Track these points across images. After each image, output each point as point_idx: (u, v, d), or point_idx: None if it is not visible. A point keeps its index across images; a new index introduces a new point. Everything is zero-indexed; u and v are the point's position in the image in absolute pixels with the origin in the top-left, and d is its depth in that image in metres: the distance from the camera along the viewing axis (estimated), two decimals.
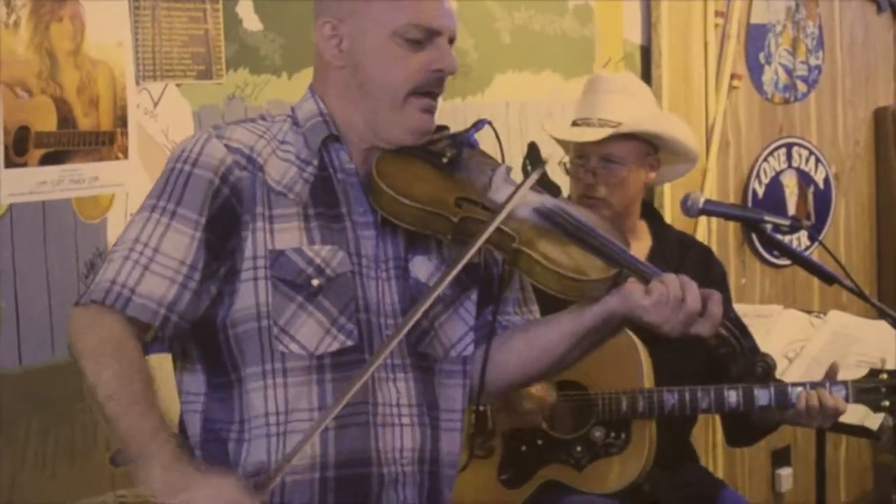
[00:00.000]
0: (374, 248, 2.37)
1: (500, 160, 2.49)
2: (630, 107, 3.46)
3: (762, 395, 3.22)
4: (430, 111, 2.40)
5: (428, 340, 2.41)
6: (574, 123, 3.49)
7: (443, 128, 2.47)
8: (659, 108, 3.60)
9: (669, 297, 2.31)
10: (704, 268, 3.49)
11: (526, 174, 2.41)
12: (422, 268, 2.42)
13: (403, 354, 2.37)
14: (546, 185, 2.56)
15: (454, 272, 2.27)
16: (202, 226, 2.28)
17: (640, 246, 3.45)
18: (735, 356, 2.47)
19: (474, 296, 2.47)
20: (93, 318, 2.24)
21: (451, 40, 2.40)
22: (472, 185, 2.41)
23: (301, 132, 2.39)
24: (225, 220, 2.30)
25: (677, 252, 3.48)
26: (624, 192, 3.42)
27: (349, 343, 2.32)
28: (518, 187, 2.35)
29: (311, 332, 2.31)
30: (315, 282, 2.31)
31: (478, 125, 2.46)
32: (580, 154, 3.43)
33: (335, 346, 2.31)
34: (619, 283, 2.36)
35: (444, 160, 2.40)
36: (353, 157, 2.40)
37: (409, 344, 2.38)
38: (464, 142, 2.44)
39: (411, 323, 2.26)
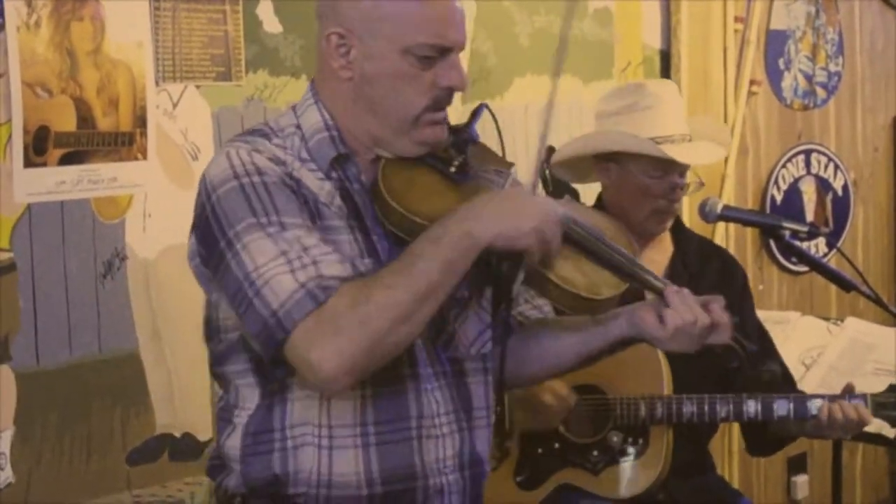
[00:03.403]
0: (389, 258, 2.32)
1: (500, 148, 2.47)
2: (683, 117, 3.44)
3: (781, 406, 3.20)
4: (442, 122, 2.36)
5: (454, 345, 2.40)
6: (655, 140, 3.35)
7: None
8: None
9: (684, 323, 2.33)
10: (727, 275, 3.48)
11: (545, 179, 2.41)
12: None
13: (434, 363, 2.36)
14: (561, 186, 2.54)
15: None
16: (314, 228, 2.23)
17: (663, 253, 3.44)
18: (740, 364, 2.47)
19: (488, 293, 2.46)
20: (319, 315, 2.14)
21: (462, 49, 2.36)
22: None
23: (308, 147, 2.34)
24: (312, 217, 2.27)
25: (698, 259, 3.47)
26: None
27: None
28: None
29: None
30: None
31: (477, 113, 2.42)
32: (659, 170, 3.33)
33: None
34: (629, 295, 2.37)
35: (452, 169, 2.36)
36: (361, 170, 2.36)
37: (436, 351, 2.37)
38: (467, 140, 2.39)
39: None
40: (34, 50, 3.02)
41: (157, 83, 3.25)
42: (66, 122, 3.08)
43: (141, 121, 3.22)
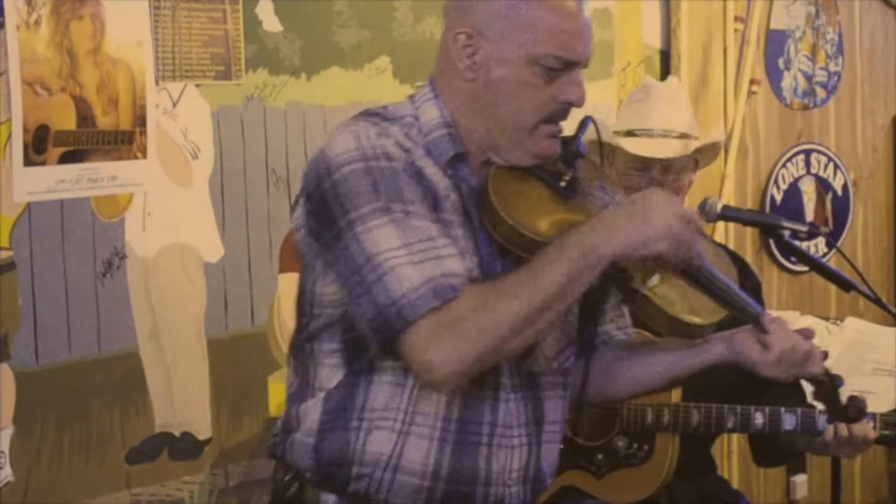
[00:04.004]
0: (488, 263, 2.32)
1: (600, 160, 2.48)
2: (680, 114, 3.43)
3: (788, 420, 3.19)
4: (557, 136, 2.35)
5: (533, 358, 2.39)
6: (630, 133, 3.38)
7: None
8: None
9: (787, 349, 2.35)
10: (739, 279, 3.47)
11: None
12: None
13: (514, 374, 2.35)
14: None
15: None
16: (437, 219, 2.23)
17: None
18: (831, 398, 2.47)
19: (576, 309, 2.43)
20: (444, 316, 2.14)
21: (586, 66, 2.35)
22: (589, 213, 2.35)
23: (425, 141, 2.32)
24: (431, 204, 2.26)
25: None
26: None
27: None
28: None
29: None
30: None
31: (583, 126, 2.40)
32: (639, 165, 3.33)
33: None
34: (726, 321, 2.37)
35: (562, 184, 2.35)
36: (472, 171, 2.34)
37: (516, 363, 2.35)
38: (576, 154, 2.37)
39: None
40: (34, 49, 3.02)
41: (156, 82, 3.25)
42: (65, 120, 3.08)
43: (141, 120, 3.22)
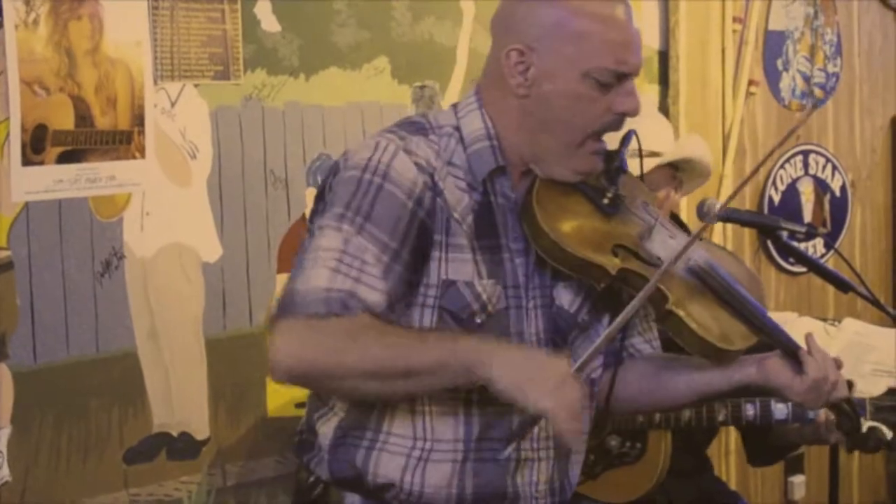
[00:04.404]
0: (524, 276, 2.34)
1: (640, 172, 2.47)
2: (654, 130, 3.41)
3: (780, 410, 3.20)
4: (602, 153, 2.35)
5: None
6: None
7: None
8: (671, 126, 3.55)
9: (820, 377, 2.34)
10: None
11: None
12: (565, 295, 2.40)
13: None
14: None
15: (617, 326, 2.21)
16: (391, 249, 2.23)
17: None
18: (853, 429, 2.48)
19: (605, 320, 2.45)
20: (313, 329, 2.16)
21: (638, 75, 2.35)
22: (630, 232, 2.37)
23: (466, 153, 2.33)
24: (422, 243, 2.26)
25: None
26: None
27: None
28: (684, 248, 2.30)
29: None
30: (478, 319, 2.29)
31: (626, 140, 2.39)
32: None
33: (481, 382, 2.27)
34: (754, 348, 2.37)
35: (605, 201, 2.35)
36: (512, 184, 2.35)
37: None
38: (619, 170, 2.38)
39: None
40: (32, 48, 3.02)
41: (155, 82, 3.24)
42: (64, 120, 3.08)
43: (139, 119, 3.21)
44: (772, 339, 2.38)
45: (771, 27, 5.01)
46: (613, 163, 2.37)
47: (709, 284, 2.36)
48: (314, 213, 2.31)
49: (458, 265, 2.28)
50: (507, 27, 2.33)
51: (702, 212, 3.20)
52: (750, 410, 3.20)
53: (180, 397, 3.32)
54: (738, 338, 2.36)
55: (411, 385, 2.17)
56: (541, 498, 2.38)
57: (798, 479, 5.15)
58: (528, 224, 2.31)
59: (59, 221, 3.11)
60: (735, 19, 4.80)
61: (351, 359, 2.14)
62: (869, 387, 3.35)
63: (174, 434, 3.33)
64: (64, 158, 3.09)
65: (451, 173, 2.30)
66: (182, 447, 3.34)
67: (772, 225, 3.12)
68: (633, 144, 2.40)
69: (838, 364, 2.40)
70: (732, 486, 4.48)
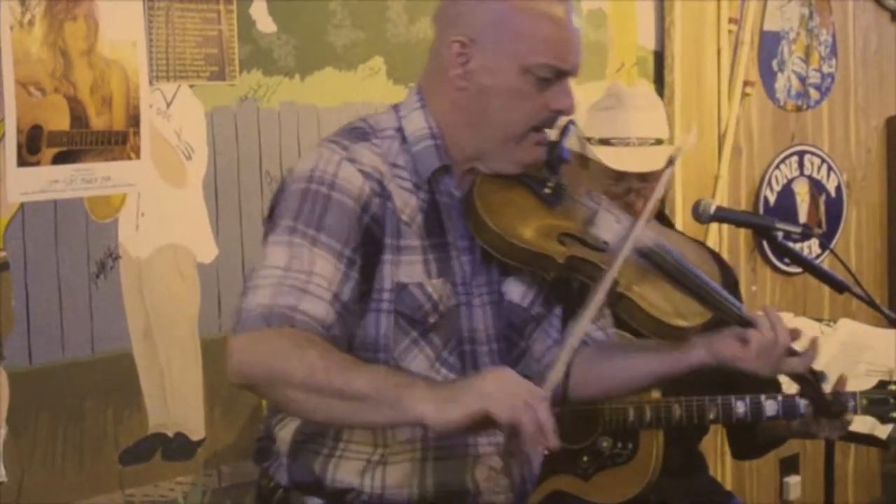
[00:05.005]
0: (471, 273, 2.35)
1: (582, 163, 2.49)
2: (655, 120, 3.41)
3: (770, 406, 3.20)
4: (544, 144, 2.37)
5: (525, 362, 2.40)
6: (606, 142, 3.35)
7: None
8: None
9: (765, 344, 2.35)
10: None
11: None
12: (515, 289, 2.40)
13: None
14: None
15: (583, 324, 2.19)
16: (346, 257, 2.22)
17: None
18: (816, 394, 2.49)
19: (559, 310, 2.46)
20: (259, 336, 2.14)
21: (576, 75, 2.37)
22: (575, 219, 2.37)
23: (410, 152, 2.33)
24: (369, 249, 2.25)
25: None
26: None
27: (451, 376, 2.30)
28: (630, 232, 2.30)
29: (419, 366, 2.29)
30: (431, 319, 2.29)
31: (566, 132, 2.41)
32: (616, 174, 3.28)
33: (437, 380, 2.27)
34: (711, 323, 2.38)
35: (547, 190, 2.36)
36: (456, 182, 2.36)
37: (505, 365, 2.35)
38: (560, 160, 2.39)
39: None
40: (28, 49, 3.02)
41: (150, 82, 3.24)
42: (59, 121, 3.08)
43: (134, 120, 3.21)
44: (725, 314, 2.39)
45: (766, 28, 5.01)
46: (554, 153, 2.38)
47: (658, 264, 2.36)
48: (265, 233, 2.29)
49: (408, 267, 2.28)
50: (449, 20, 2.34)
51: (697, 212, 3.20)
52: (741, 408, 3.21)
53: (176, 398, 3.32)
54: (692, 315, 2.36)
55: (352, 412, 2.09)
56: (501, 493, 2.38)
57: (793, 480, 5.16)
58: (472, 220, 2.31)
59: (54, 222, 3.11)
60: (730, 20, 4.80)
61: (291, 365, 2.09)
62: (864, 387, 3.35)
63: (170, 435, 3.33)
64: (59, 159, 3.08)
65: (397, 175, 2.31)
66: (177, 448, 3.34)
67: (767, 225, 3.12)
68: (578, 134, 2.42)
69: (795, 335, 2.40)
70: (728, 486, 4.48)
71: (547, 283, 2.41)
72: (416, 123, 2.35)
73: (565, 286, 2.44)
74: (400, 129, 2.35)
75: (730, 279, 3.51)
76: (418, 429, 2.24)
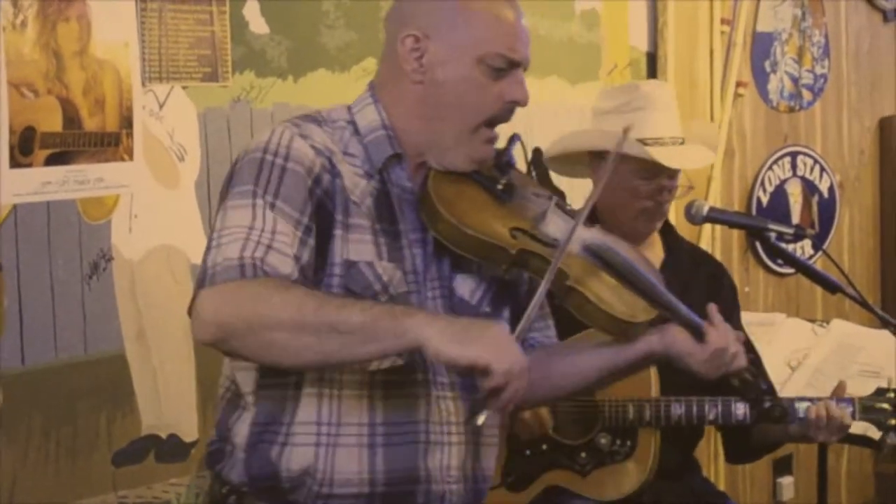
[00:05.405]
0: (423, 266, 2.38)
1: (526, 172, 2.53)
2: (676, 119, 3.44)
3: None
4: (494, 141, 2.41)
5: None
6: (641, 142, 3.33)
7: None
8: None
9: (722, 346, 2.42)
10: (716, 283, 3.48)
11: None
12: (465, 286, 2.44)
13: (451, 373, 2.37)
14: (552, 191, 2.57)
15: (529, 315, 2.24)
16: (303, 224, 2.26)
17: (654, 257, 3.43)
18: (756, 401, 2.54)
19: (507, 312, 2.50)
20: (236, 286, 2.16)
21: (527, 68, 2.41)
22: (526, 215, 2.42)
23: (363, 143, 2.38)
24: (321, 222, 2.28)
25: (689, 265, 3.47)
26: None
27: (399, 362, 2.30)
28: (574, 225, 2.35)
29: None
30: (382, 300, 2.31)
31: (512, 142, 2.46)
32: (647, 172, 3.31)
33: (386, 364, 2.29)
34: (655, 322, 2.44)
35: (499, 187, 2.41)
36: (409, 174, 2.39)
37: None
38: (508, 163, 2.45)
39: None
40: (20, 50, 3.02)
41: (143, 84, 3.24)
42: (52, 122, 3.08)
43: (127, 121, 3.21)
44: (671, 313, 2.44)
45: (759, 28, 5.02)
46: (503, 158, 2.44)
47: (606, 261, 2.42)
48: (221, 200, 2.32)
49: (358, 246, 2.31)
50: (402, 16, 2.39)
51: (690, 213, 3.21)
52: (740, 410, 3.21)
53: (169, 399, 3.32)
54: (640, 311, 2.42)
55: (344, 345, 2.13)
56: (453, 482, 2.39)
57: (787, 481, 5.17)
58: (426, 211, 2.35)
59: (47, 223, 3.10)
60: (723, 20, 4.81)
61: (276, 305, 2.12)
62: (857, 388, 3.36)
63: (163, 436, 3.32)
64: (52, 160, 3.08)
65: (348, 161, 2.35)
66: (171, 449, 3.33)
67: (760, 226, 3.13)
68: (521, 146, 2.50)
69: (739, 338, 2.46)
70: (721, 487, 4.48)
71: (497, 282, 2.44)
72: (369, 116, 2.40)
73: (514, 289, 2.49)
74: (352, 122, 2.41)
75: (729, 290, 3.52)
76: (366, 413, 2.30)
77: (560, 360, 2.54)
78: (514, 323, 2.46)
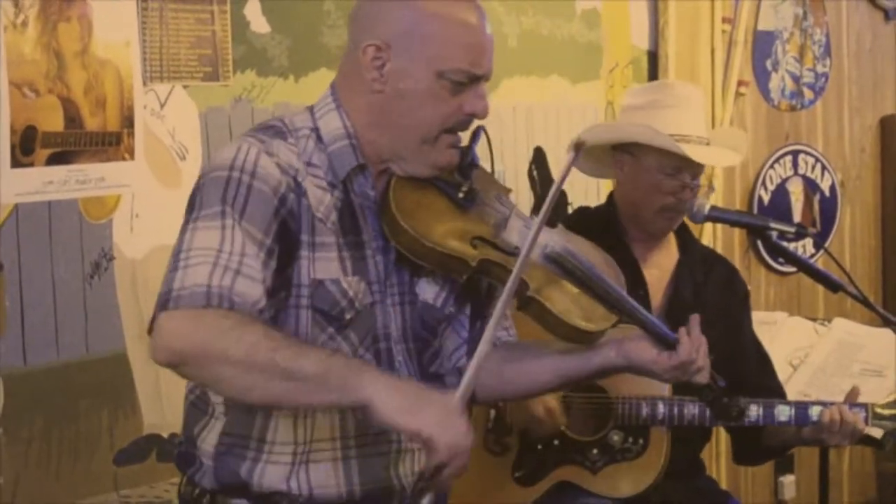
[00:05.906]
0: (385, 273, 2.38)
1: (491, 167, 2.53)
2: (704, 121, 3.46)
3: (782, 412, 3.20)
4: (457, 146, 2.40)
5: (439, 361, 2.44)
6: (672, 138, 3.34)
7: None
8: None
9: (689, 359, 2.42)
10: (729, 286, 3.49)
11: (532, 179, 2.43)
12: (428, 290, 2.44)
13: (418, 376, 2.38)
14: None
15: (493, 324, 2.22)
16: (266, 246, 2.24)
17: (669, 258, 3.44)
18: (714, 400, 2.55)
19: (468, 310, 2.51)
20: (198, 314, 2.15)
21: (489, 79, 2.40)
22: (487, 223, 2.42)
23: (326, 152, 2.37)
24: (284, 243, 2.28)
25: (702, 267, 3.47)
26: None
27: None
28: (534, 235, 2.30)
29: None
30: (348, 315, 2.32)
31: (476, 136, 2.45)
32: (672, 169, 3.32)
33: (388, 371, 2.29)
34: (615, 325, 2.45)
35: (461, 195, 2.40)
36: (371, 183, 2.39)
37: (421, 366, 2.41)
38: (471, 164, 2.43)
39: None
40: (21, 50, 3.02)
41: (144, 83, 3.24)
42: (53, 122, 3.08)
43: (128, 121, 3.21)
44: (633, 320, 2.45)
45: (760, 27, 5.02)
46: (466, 158, 2.42)
47: (567, 269, 2.42)
48: (186, 220, 2.30)
49: (324, 264, 2.31)
50: (364, 25, 2.37)
51: (691, 212, 3.21)
52: (753, 412, 3.20)
53: (170, 399, 3.32)
54: (600, 319, 2.43)
55: (292, 391, 2.14)
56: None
57: (788, 479, 5.17)
58: (386, 222, 2.35)
59: (48, 223, 3.10)
60: (724, 19, 4.81)
61: (231, 340, 2.12)
62: (859, 386, 3.36)
63: (164, 435, 3.32)
64: (53, 160, 3.08)
65: (311, 173, 2.33)
66: (172, 449, 3.32)
67: (761, 225, 3.13)
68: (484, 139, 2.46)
69: (701, 349, 2.46)
70: (723, 485, 4.48)
71: (458, 283, 2.44)
72: (332, 124, 2.39)
73: (475, 286, 2.49)
74: (315, 129, 2.39)
75: (742, 293, 3.52)
76: (338, 425, 2.31)
77: (522, 364, 2.54)
78: (474, 316, 2.49)
